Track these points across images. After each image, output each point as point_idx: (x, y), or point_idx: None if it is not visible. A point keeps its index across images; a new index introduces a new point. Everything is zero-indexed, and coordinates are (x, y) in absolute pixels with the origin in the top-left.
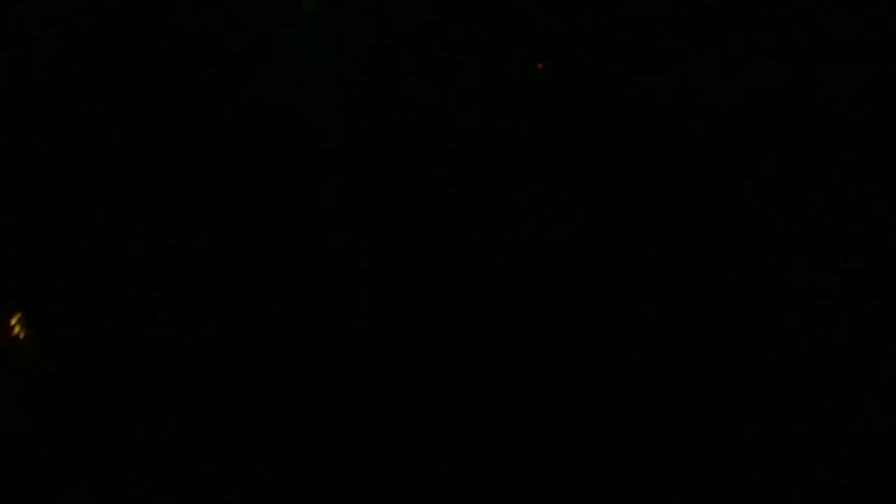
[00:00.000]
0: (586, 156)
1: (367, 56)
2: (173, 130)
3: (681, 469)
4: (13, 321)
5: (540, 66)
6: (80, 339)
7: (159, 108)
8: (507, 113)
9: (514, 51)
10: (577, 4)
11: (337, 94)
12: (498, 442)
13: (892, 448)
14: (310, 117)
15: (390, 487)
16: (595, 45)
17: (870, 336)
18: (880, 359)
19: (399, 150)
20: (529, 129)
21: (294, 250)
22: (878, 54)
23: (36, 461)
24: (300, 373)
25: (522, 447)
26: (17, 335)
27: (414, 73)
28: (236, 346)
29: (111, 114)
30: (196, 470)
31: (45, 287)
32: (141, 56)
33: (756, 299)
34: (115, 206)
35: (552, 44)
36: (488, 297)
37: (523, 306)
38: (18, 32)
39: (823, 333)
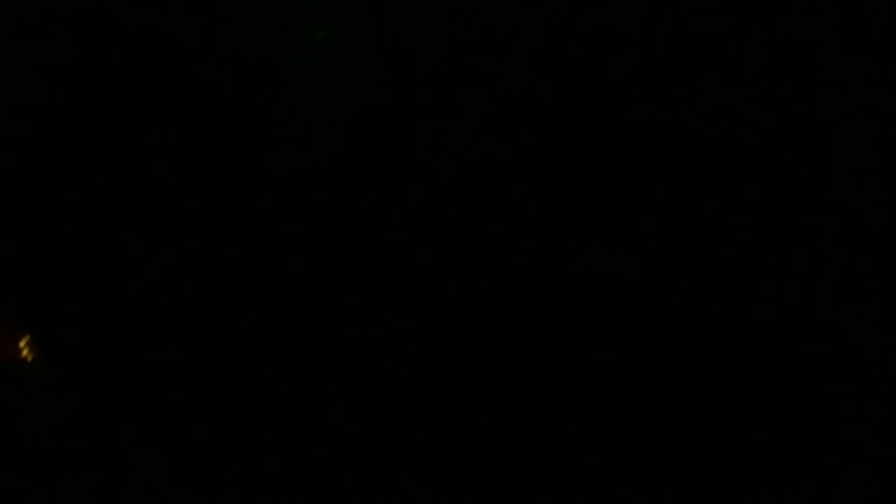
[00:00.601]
0: (589, 162)
1: (376, 78)
2: (179, 140)
3: (681, 469)
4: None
5: (549, 95)
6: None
7: (170, 119)
8: (512, 127)
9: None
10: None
11: (343, 108)
12: (497, 442)
13: (893, 448)
14: (316, 132)
15: (391, 488)
16: (599, 54)
17: (870, 335)
18: (881, 359)
19: (403, 159)
20: (533, 141)
21: (294, 254)
22: (879, 54)
23: (36, 461)
24: (301, 374)
25: (522, 447)
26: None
27: (420, 92)
28: (238, 346)
29: (125, 129)
30: (196, 470)
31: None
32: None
33: (755, 299)
34: (116, 211)
35: (559, 55)
36: (489, 300)
37: (524, 309)
38: (23, 33)
39: (823, 332)
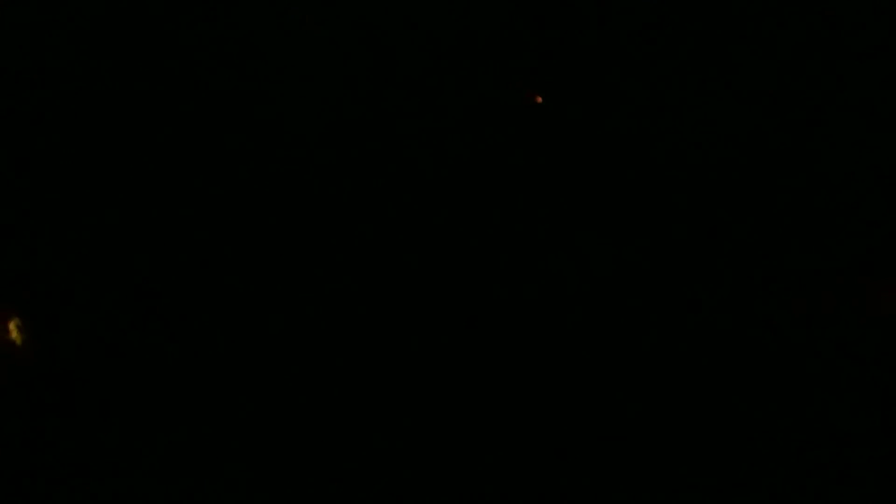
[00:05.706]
0: (585, 160)
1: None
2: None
3: (681, 469)
4: (10, 324)
5: (539, 99)
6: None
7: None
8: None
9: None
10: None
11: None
12: (497, 443)
13: (893, 448)
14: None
15: (391, 488)
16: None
17: (869, 338)
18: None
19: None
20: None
21: (292, 255)
22: (878, 54)
23: (36, 461)
24: (301, 374)
25: (521, 448)
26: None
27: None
28: (238, 347)
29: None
30: (196, 470)
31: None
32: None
33: (754, 301)
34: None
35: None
36: (489, 303)
37: (523, 310)
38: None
39: (823, 334)
